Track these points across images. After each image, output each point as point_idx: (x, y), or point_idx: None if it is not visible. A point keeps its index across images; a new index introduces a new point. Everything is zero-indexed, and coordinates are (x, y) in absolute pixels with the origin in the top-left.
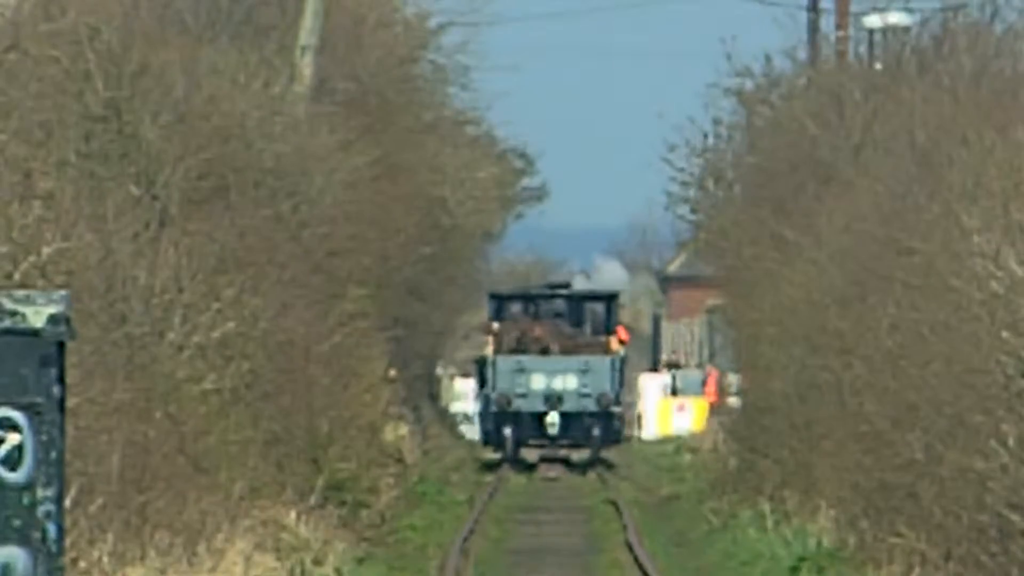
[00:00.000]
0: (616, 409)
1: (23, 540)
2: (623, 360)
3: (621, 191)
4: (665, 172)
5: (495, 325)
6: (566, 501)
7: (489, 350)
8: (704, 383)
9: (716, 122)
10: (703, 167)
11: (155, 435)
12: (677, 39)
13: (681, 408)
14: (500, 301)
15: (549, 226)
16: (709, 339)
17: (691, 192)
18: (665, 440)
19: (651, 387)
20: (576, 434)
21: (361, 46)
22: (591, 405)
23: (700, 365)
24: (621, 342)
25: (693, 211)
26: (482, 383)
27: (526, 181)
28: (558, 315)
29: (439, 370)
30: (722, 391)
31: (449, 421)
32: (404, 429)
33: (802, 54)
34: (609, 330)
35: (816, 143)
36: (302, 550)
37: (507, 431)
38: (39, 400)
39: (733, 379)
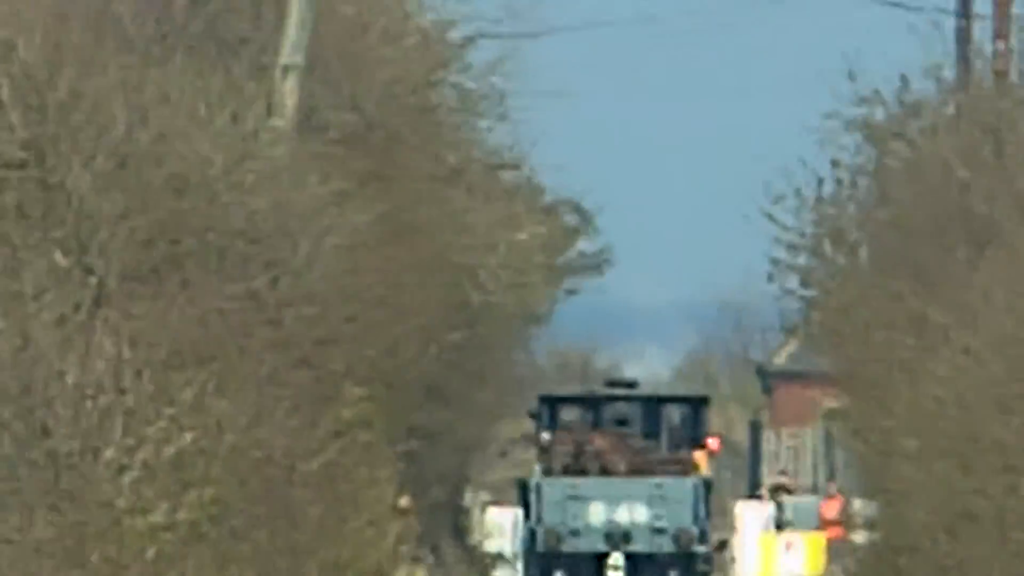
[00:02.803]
0: (701, 549)
1: None
2: (711, 483)
3: (708, 258)
4: (767, 232)
5: (543, 437)
6: None
7: (534, 470)
8: (820, 513)
9: (835, 164)
10: (818, 225)
11: None
12: (782, 56)
13: (790, 547)
14: (549, 405)
15: (612, 304)
16: (826, 454)
17: (801, 258)
18: None
19: (749, 519)
20: None
21: (363, 66)
22: (668, 544)
23: (815, 489)
24: (710, 455)
25: (804, 284)
26: (525, 514)
27: (582, 244)
28: (624, 423)
29: (467, 497)
30: (845, 524)
31: (480, 565)
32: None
33: (949, 73)
34: (694, 443)
35: (968, 191)
36: None
37: None
38: None
39: (859, 507)
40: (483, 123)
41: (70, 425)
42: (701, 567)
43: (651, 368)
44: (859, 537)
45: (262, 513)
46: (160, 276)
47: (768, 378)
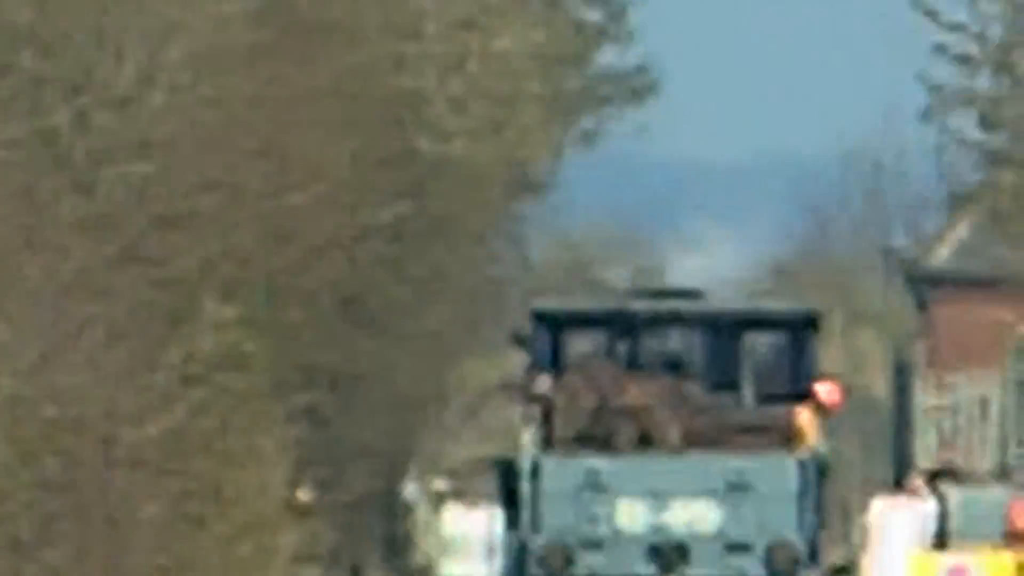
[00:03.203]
0: None
1: None
2: (827, 464)
3: (816, 95)
4: (921, 41)
5: (538, 383)
6: None
7: (525, 441)
8: (1009, 518)
9: None
10: (1012, 20)
11: None
12: None
13: (958, 574)
14: (549, 328)
15: (657, 164)
16: (1020, 414)
17: (983, 79)
18: None
19: (893, 527)
20: None
21: None
22: (755, 569)
23: (1002, 475)
24: (824, 413)
25: (986, 123)
26: (509, 517)
27: (608, 55)
28: (678, 363)
29: (409, 489)
30: None
31: None
32: None
33: None
34: (797, 395)
35: None
36: None
37: None
38: None
39: None
40: None
41: None
42: None
43: (719, 269)
44: None
45: (63, 511)
46: None
47: (923, 287)
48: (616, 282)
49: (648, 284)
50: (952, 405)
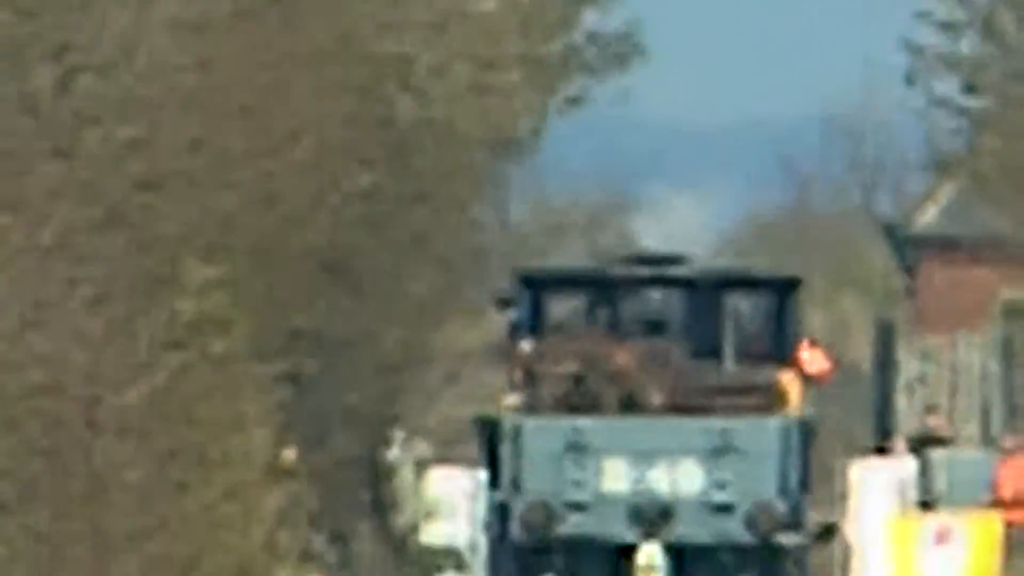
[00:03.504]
0: (793, 540)
1: None
2: (811, 426)
3: (798, 56)
4: (904, 4)
5: (522, 346)
6: None
7: (508, 404)
8: (994, 482)
9: None
10: None
11: None
12: None
13: (943, 537)
14: (532, 291)
15: (641, 126)
16: (1006, 380)
17: (964, 43)
18: None
19: (874, 489)
20: None
21: None
22: (737, 531)
23: (986, 440)
24: (808, 381)
25: (969, 87)
26: (492, 479)
27: (591, 20)
28: (662, 325)
29: (394, 452)
30: None
31: (417, 568)
32: None
33: None
34: (780, 358)
35: None
36: None
37: None
38: None
39: None
40: None
41: None
42: (791, 570)
43: (703, 234)
44: None
45: (44, 477)
46: None
47: (907, 248)
48: (604, 251)
49: (629, 248)
50: (936, 368)
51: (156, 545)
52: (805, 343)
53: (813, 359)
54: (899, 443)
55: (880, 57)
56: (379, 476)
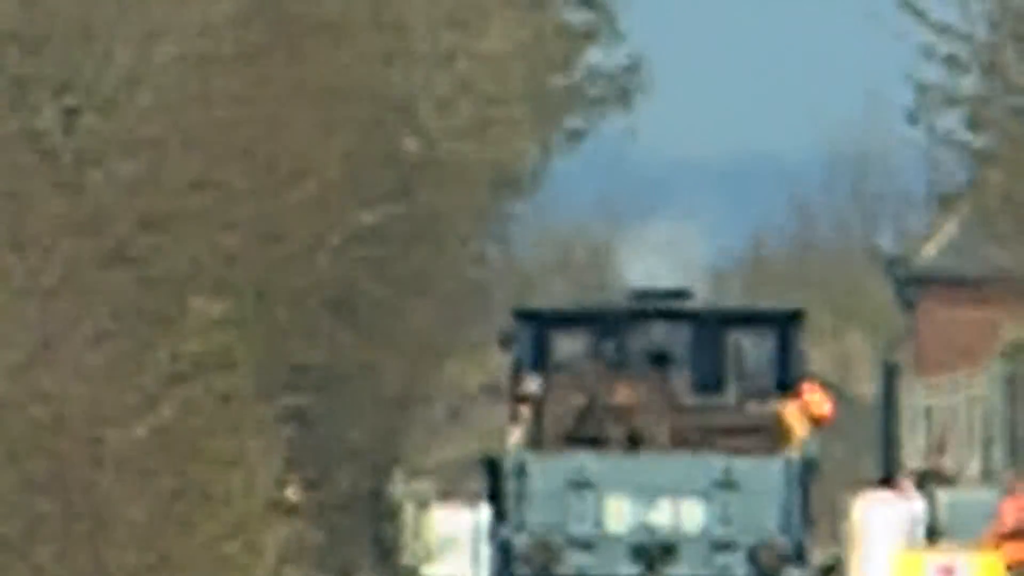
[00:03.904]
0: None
1: None
2: (814, 463)
3: (804, 92)
4: (908, 40)
5: (528, 384)
6: None
7: (512, 441)
8: (998, 518)
9: None
10: (999, 20)
11: None
12: None
13: (946, 573)
14: (535, 328)
15: (644, 162)
16: (1007, 415)
17: (969, 79)
18: None
19: (878, 524)
20: None
21: None
22: (740, 567)
23: (988, 477)
24: (815, 422)
25: (973, 123)
26: (496, 515)
27: (595, 56)
28: (665, 360)
29: (397, 488)
30: None
31: None
32: None
33: None
34: (784, 393)
35: None
36: None
37: None
38: None
39: None
40: None
41: None
42: None
43: (707, 268)
44: None
45: (49, 512)
46: None
47: (910, 287)
48: (608, 287)
49: (637, 285)
50: (939, 405)
51: None
52: (808, 384)
53: (818, 401)
54: (906, 482)
55: (883, 93)
56: (382, 513)
